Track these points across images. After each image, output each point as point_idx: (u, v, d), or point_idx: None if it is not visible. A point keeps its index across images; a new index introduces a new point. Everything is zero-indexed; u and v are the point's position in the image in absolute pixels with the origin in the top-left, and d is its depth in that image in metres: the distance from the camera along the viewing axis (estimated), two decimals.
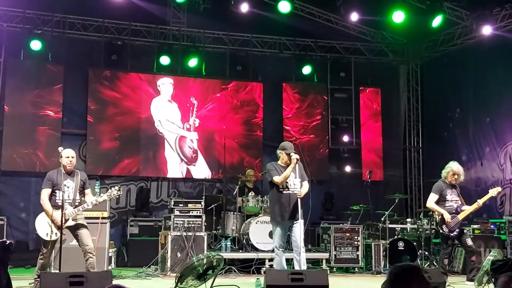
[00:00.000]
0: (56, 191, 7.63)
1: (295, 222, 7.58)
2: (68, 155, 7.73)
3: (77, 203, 7.68)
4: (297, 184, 7.66)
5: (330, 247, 10.91)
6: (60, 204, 7.47)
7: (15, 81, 12.02)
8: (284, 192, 7.69)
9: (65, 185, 7.60)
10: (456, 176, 8.81)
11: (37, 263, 7.68)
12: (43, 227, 7.53)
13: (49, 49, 11.96)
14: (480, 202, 8.69)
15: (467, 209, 8.72)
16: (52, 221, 7.46)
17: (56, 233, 7.44)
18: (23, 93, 12.04)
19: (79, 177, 7.80)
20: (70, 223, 7.57)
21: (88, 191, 7.95)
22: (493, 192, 8.77)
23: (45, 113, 12.20)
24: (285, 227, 7.69)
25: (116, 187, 7.88)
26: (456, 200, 8.79)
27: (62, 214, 7.30)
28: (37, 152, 12.03)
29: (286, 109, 14.05)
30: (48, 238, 7.49)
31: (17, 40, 11.87)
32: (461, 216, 8.66)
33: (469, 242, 8.78)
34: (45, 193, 7.65)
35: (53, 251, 7.80)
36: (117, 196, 8.01)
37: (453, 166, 8.88)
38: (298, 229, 7.56)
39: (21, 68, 12.11)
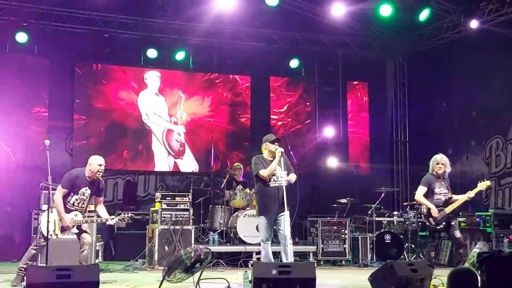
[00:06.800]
0: (71, 193, 7.53)
1: (280, 214, 7.59)
2: (100, 163, 7.62)
3: (85, 212, 7.67)
4: (284, 177, 7.65)
5: (317, 240, 10.96)
6: (70, 208, 7.45)
7: (0, 74, 11.92)
8: (271, 185, 7.68)
9: (83, 193, 7.54)
10: (440, 165, 8.83)
11: (28, 252, 7.57)
12: (48, 224, 7.44)
13: (35, 41, 11.84)
14: (471, 194, 8.71)
15: (458, 200, 8.75)
16: (60, 220, 7.41)
17: (57, 234, 7.43)
18: (9, 86, 11.94)
19: (97, 186, 7.71)
20: (75, 230, 7.55)
21: (101, 199, 7.87)
22: (481, 185, 8.78)
23: (30, 106, 12.13)
24: (271, 220, 7.69)
25: (129, 214, 7.85)
26: (445, 193, 8.82)
27: (47, 216, 7.14)
28: (23, 145, 11.95)
29: (274, 102, 14.06)
30: (48, 236, 7.44)
31: (3, 33, 11.72)
32: (448, 210, 8.70)
33: (457, 234, 8.82)
34: (61, 191, 7.49)
35: None
36: (128, 221, 8.00)
37: (437, 156, 8.92)
38: (285, 221, 7.59)
39: (7, 60, 11.99)
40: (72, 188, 7.50)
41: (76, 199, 7.53)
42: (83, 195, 7.56)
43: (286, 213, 7.58)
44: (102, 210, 7.82)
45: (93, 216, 7.78)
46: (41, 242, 7.46)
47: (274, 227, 7.75)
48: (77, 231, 7.56)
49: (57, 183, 7.68)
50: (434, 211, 8.66)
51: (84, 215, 7.66)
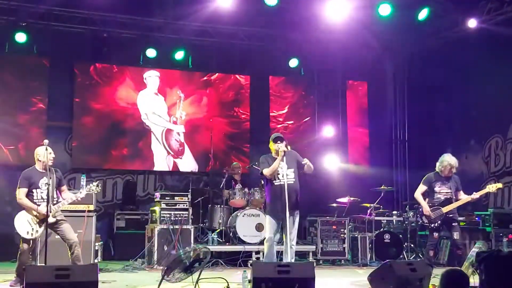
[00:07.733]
0: (33, 190, 7.57)
1: (288, 215, 7.54)
2: (50, 152, 7.69)
3: (55, 201, 7.64)
4: (290, 175, 7.76)
5: (316, 239, 10.97)
6: (38, 204, 7.44)
7: (0, 74, 11.91)
8: (275, 183, 7.77)
9: (44, 184, 7.54)
10: (454, 170, 8.85)
11: (18, 260, 7.58)
12: (24, 225, 7.45)
13: (34, 41, 11.82)
14: (476, 195, 8.69)
15: (459, 200, 8.73)
16: (36, 216, 7.40)
17: (37, 231, 7.41)
18: (8, 86, 11.94)
19: (54, 175, 7.70)
20: (51, 220, 7.52)
21: (64, 188, 7.92)
22: (491, 187, 8.74)
23: (30, 106, 12.13)
24: (278, 219, 7.72)
25: (95, 183, 7.88)
26: (446, 193, 8.80)
27: (47, 209, 7.22)
28: (22, 145, 11.94)
29: (273, 102, 14.05)
30: (30, 236, 7.44)
31: (2, 33, 11.72)
32: (445, 209, 8.69)
33: (455, 236, 8.82)
34: (22, 192, 7.57)
35: (39, 244, 7.76)
36: (96, 192, 8.02)
37: (450, 160, 8.87)
38: (292, 222, 7.62)
39: (6, 61, 11.98)
40: (30, 185, 7.57)
41: (41, 192, 7.57)
42: (46, 186, 7.52)
43: (295, 213, 7.65)
44: (67, 194, 7.86)
45: (62, 201, 7.74)
46: (24, 247, 7.48)
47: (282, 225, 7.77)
48: (54, 219, 7.52)
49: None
50: (426, 210, 8.67)
51: (54, 204, 7.62)
